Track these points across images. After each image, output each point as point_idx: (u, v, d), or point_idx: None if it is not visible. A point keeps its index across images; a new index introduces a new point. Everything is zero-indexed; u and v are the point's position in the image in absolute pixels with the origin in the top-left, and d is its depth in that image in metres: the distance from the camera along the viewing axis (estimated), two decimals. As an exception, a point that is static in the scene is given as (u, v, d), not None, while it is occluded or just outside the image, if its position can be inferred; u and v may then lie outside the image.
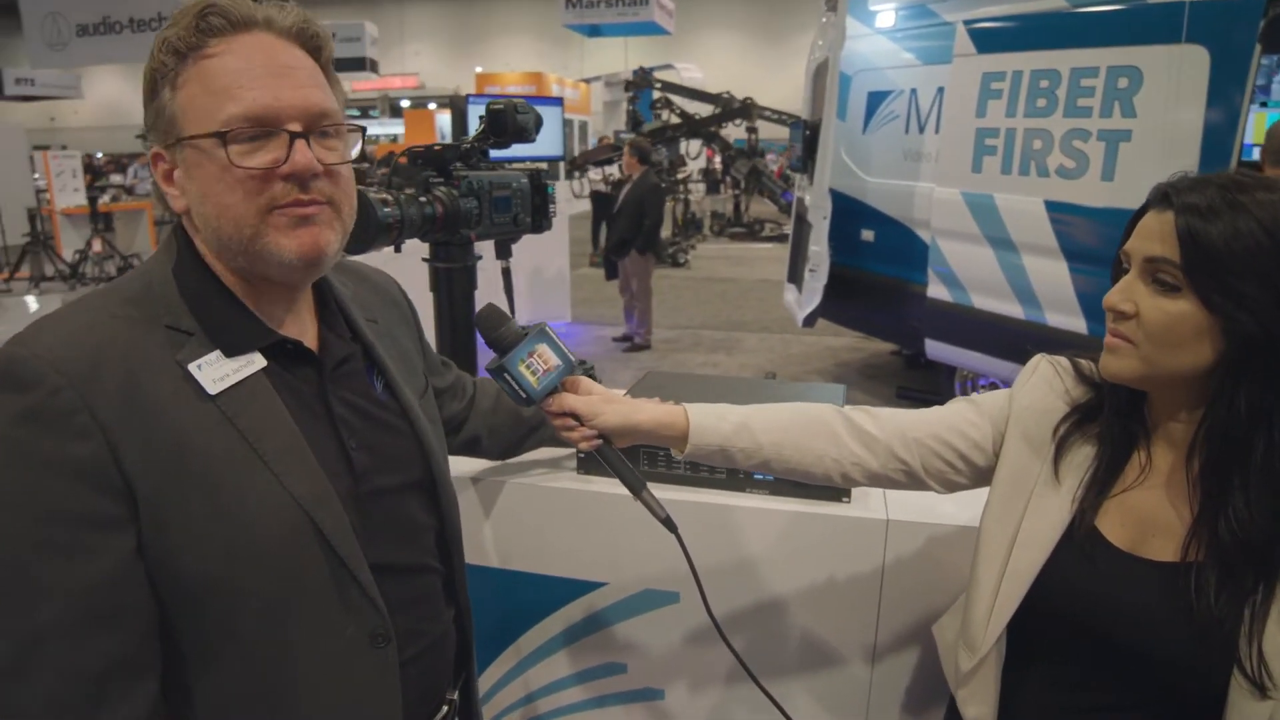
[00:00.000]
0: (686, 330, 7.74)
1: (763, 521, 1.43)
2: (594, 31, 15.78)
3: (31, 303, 8.55)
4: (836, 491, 1.42)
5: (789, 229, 6.63)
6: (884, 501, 1.42)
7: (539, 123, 1.69)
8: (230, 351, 0.82)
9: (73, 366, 0.73)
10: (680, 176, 13.81)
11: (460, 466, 1.57)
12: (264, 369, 0.84)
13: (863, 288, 5.19)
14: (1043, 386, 1.07)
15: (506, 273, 1.92)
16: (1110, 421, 0.99)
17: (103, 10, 9.07)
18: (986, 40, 4.02)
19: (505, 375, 0.98)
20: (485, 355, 1.83)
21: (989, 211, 4.06)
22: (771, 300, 7.52)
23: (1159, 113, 3.43)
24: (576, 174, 12.38)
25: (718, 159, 14.23)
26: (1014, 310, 4.03)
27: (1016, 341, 3.94)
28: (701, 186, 16.61)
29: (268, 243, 0.80)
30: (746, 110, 11.40)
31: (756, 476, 1.44)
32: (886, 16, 4.91)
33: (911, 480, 1.11)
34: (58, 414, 0.72)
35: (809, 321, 5.21)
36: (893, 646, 1.43)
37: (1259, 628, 0.85)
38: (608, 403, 1.06)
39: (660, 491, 1.45)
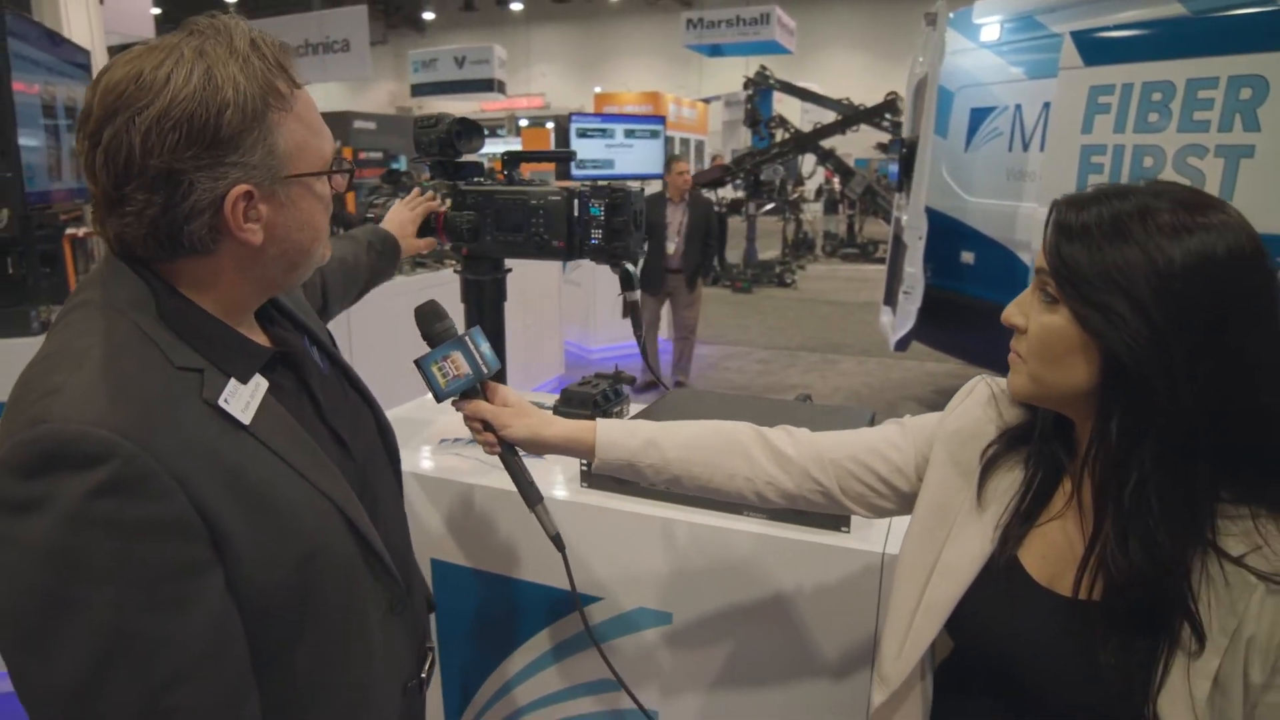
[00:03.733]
0: (784, 351, 7.62)
1: (758, 546, 1.39)
2: (715, 51, 15.85)
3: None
4: (835, 520, 1.36)
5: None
6: (884, 533, 1.35)
7: (453, 134, 1.59)
8: (243, 378, 0.84)
9: (133, 430, 0.72)
10: (794, 196, 13.62)
11: (461, 474, 1.61)
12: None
13: (960, 312, 4.96)
14: (975, 410, 1.01)
15: (633, 306, 1.66)
16: (1037, 446, 0.93)
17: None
18: (1094, 51, 3.77)
19: (420, 370, 1.06)
20: (512, 366, 1.84)
21: (1094, 233, 3.79)
22: (875, 322, 7.28)
23: (1288, 127, 3.13)
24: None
25: (835, 179, 13.94)
26: (1119, 339, 3.75)
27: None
28: (818, 206, 16.32)
29: (323, 253, 0.92)
30: (892, 106, 10.87)
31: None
32: (991, 30, 4.71)
33: (830, 502, 1.08)
34: (137, 480, 0.71)
35: (901, 345, 5.02)
36: (892, 688, 1.35)
37: (1157, 681, 0.78)
38: (519, 415, 1.09)
39: (656, 510, 1.45)
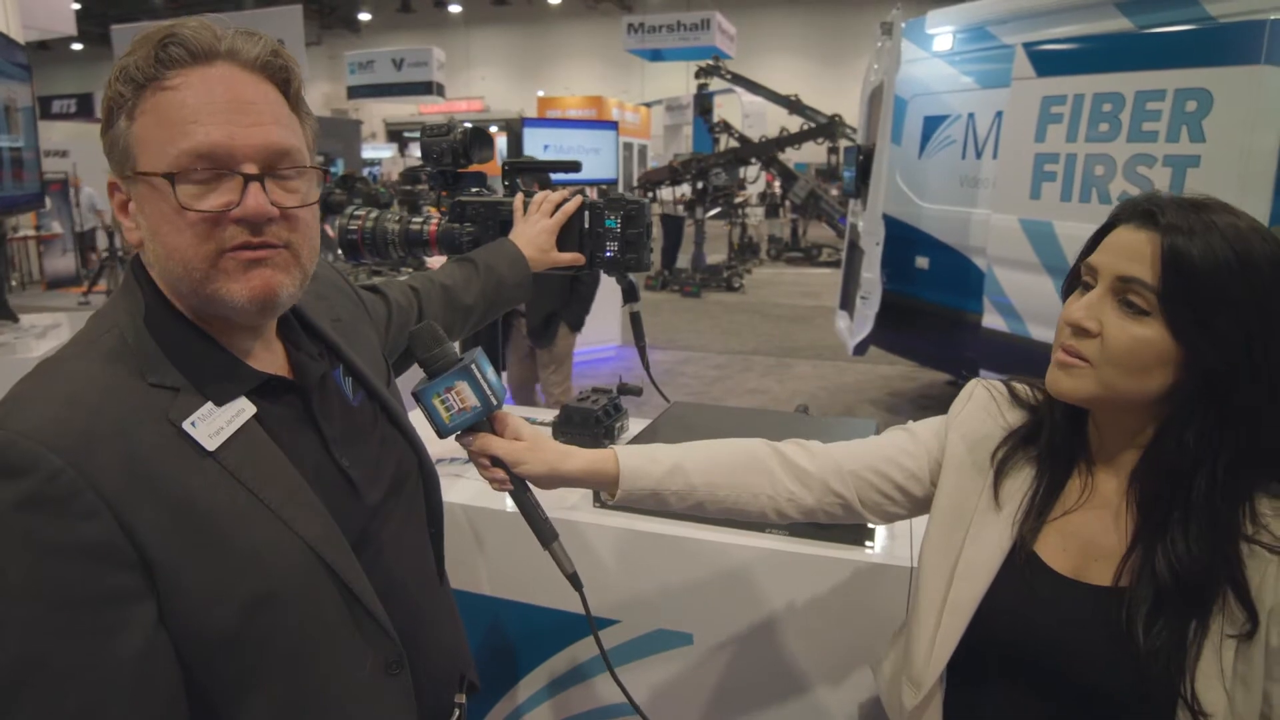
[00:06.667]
0: (738, 355, 7.66)
1: (780, 564, 1.37)
2: (656, 56, 15.92)
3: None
4: (858, 534, 1.35)
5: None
6: (909, 545, 1.35)
7: (466, 143, 1.52)
8: (220, 401, 0.79)
9: (67, 444, 0.68)
10: (737, 201, 13.74)
11: (466, 495, 1.56)
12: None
13: (916, 316, 5.06)
14: (979, 413, 1.04)
15: (636, 317, 1.60)
16: (1049, 443, 0.96)
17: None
18: (1046, 63, 3.89)
19: (420, 403, 0.95)
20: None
21: (1048, 239, 3.92)
22: (826, 326, 7.38)
23: (1231, 137, 3.27)
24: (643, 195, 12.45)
25: (777, 183, 14.13)
26: (1074, 342, 3.87)
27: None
28: (760, 211, 16.50)
29: (218, 288, 0.77)
30: (831, 128, 10.74)
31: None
32: (944, 40, 4.82)
33: (848, 513, 1.08)
34: (59, 497, 0.67)
35: (860, 350, 5.10)
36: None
37: (1193, 661, 0.82)
38: (533, 450, 1.00)
39: (672, 529, 1.42)
